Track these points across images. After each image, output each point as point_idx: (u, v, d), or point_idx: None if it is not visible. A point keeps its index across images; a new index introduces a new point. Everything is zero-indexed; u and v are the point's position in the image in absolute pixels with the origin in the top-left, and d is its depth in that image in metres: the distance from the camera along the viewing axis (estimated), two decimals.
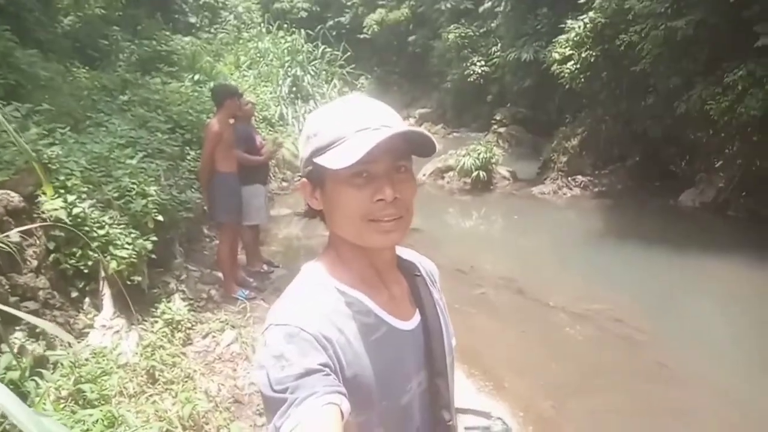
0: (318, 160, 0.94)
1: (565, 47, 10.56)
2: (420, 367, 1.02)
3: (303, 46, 14.79)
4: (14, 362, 2.56)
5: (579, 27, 10.33)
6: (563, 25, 11.03)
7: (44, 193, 3.52)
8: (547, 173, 11.29)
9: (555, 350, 4.79)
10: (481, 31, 18.15)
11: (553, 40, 11.34)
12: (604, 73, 10.38)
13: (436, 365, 1.03)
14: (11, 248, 2.94)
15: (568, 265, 6.93)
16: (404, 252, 1.13)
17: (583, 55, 10.18)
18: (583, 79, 10.53)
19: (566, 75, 10.56)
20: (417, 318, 1.05)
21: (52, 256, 3.48)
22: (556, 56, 10.71)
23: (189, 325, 4.24)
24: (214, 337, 4.22)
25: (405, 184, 0.95)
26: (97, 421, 2.46)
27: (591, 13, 10.17)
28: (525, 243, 7.89)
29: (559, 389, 4.15)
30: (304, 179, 1.01)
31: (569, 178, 10.75)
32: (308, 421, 0.79)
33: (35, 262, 3.32)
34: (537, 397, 4.01)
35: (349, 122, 0.93)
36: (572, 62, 10.40)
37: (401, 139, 0.92)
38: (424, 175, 11.93)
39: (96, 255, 3.65)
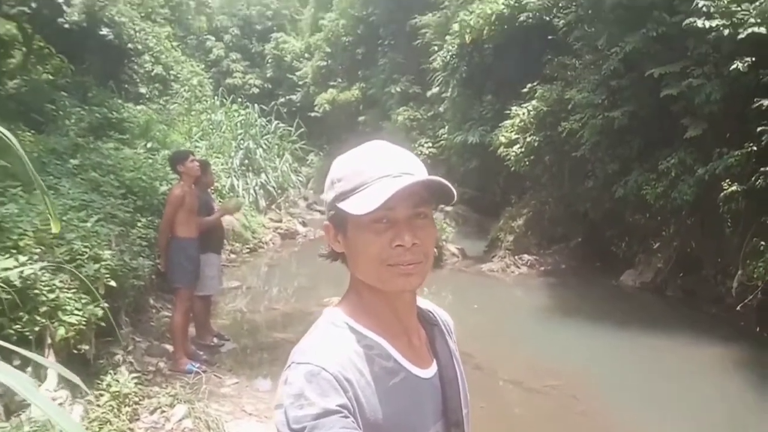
0: (341, 205, 0.96)
1: (511, 132, 11.15)
2: (437, 417, 1.01)
3: (257, 120, 14.98)
4: None
5: (523, 113, 10.98)
6: (508, 111, 11.69)
7: None
8: (495, 251, 11.56)
9: (515, 426, 4.76)
10: (429, 114, 18.93)
11: (499, 125, 11.96)
12: (546, 157, 10.96)
13: (452, 416, 1.03)
14: None
15: (521, 341, 7.00)
16: (421, 302, 1.14)
17: (528, 139, 10.75)
18: (527, 162, 11.07)
19: (512, 158, 11.08)
20: (434, 367, 1.05)
21: None
22: (503, 140, 11.27)
23: (136, 399, 3.98)
24: (163, 412, 3.97)
25: (424, 230, 0.98)
26: None
27: (534, 102, 10.86)
28: (478, 320, 7.93)
29: None
30: (327, 222, 1.03)
31: (516, 257, 11.02)
32: None
33: None
34: None
35: (371, 169, 0.96)
36: (518, 146, 10.95)
37: (421, 187, 0.96)
38: None
39: (43, 321, 3.43)
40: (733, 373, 5.92)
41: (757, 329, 7.03)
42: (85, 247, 4.25)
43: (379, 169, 0.96)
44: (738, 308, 7.25)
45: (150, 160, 8.22)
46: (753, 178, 6.80)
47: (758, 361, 6.30)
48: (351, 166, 0.99)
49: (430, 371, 1.04)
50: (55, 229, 1.01)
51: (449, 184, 0.98)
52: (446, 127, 16.81)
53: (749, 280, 7.07)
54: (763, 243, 6.75)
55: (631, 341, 6.89)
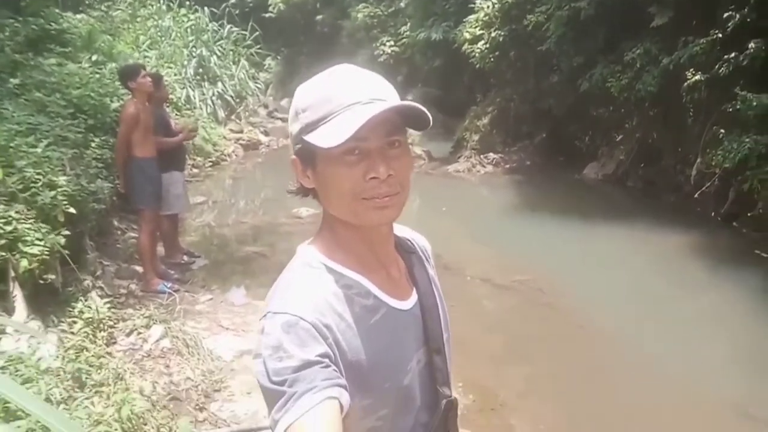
0: (307, 137, 0.90)
1: (476, 27, 10.80)
2: (419, 345, 1.01)
3: (208, 25, 14.14)
4: None
5: (487, 7, 10.59)
6: (472, 5, 11.26)
7: None
8: (461, 151, 11.58)
9: (485, 321, 4.97)
10: (390, 10, 18.14)
11: (463, 20, 11.56)
12: (512, 53, 10.74)
13: (433, 343, 1.03)
14: None
15: (488, 239, 7.18)
16: (398, 229, 1.11)
17: (492, 34, 10.45)
18: (492, 59, 10.84)
19: (477, 54, 10.81)
20: (414, 297, 1.04)
21: None
22: (467, 36, 10.93)
23: (111, 323, 3.99)
24: (139, 333, 3.99)
25: (399, 159, 0.92)
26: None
27: None
28: (446, 221, 8.06)
29: (492, 359, 4.31)
30: (294, 157, 0.96)
31: (482, 156, 11.07)
32: (307, 416, 0.79)
33: None
34: (473, 368, 4.13)
35: (338, 96, 0.88)
36: (482, 42, 10.66)
37: (394, 113, 0.89)
38: None
39: (3, 254, 3.33)
40: (691, 258, 6.22)
41: (713, 215, 7.33)
42: (38, 174, 4.06)
43: (347, 96, 0.88)
44: (696, 196, 7.52)
45: (97, 75, 7.77)
46: (716, 66, 6.80)
47: (714, 245, 6.64)
48: (316, 93, 0.92)
49: (410, 302, 1.02)
50: None
51: (424, 109, 0.90)
52: (408, 24, 16.20)
53: (707, 168, 7.28)
54: (722, 131, 6.87)
55: (595, 233, 7.14)
